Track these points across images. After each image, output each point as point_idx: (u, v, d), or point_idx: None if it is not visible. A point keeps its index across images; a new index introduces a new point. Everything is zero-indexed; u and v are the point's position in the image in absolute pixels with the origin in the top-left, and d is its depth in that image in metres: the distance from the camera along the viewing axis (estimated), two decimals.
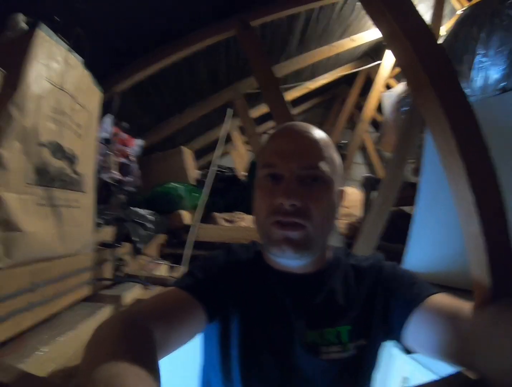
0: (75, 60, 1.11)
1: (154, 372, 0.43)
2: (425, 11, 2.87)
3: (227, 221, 2.60)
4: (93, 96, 1.24)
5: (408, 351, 0.69)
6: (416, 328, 0.63)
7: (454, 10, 2.94)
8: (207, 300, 0.66)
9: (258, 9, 2.50)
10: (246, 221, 2.62)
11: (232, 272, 0.74)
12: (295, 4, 2.56)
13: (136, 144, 2.24)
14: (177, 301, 0.64)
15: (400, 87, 3.35)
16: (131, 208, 1.96)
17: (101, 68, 1.36)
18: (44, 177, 0.91)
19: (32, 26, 0.96)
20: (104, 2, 1.81)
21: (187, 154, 3.22)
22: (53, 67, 0.97)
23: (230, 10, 2.39)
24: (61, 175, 0.99)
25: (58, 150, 0.96)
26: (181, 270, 2.05)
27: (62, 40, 1.05)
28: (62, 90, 1.02)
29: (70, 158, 1.03)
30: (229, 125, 3.25)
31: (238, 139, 4.68)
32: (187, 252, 2.16)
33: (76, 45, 1.12)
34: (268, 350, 0.68)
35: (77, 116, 1.09)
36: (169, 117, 3.43)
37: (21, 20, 1.04)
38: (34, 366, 0.77)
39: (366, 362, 0.70)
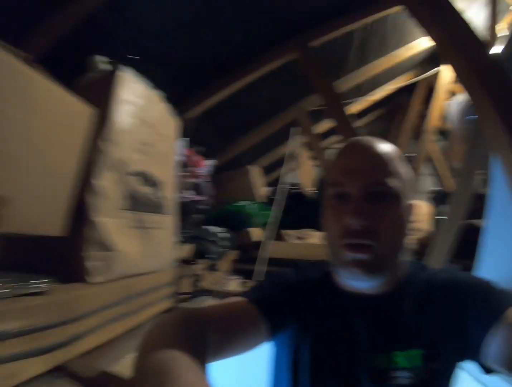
0: (154, 94, 1.24)
1: (204, 369, 0.47)
2: (479, 10, 2.76)
3: (296, 237, 2.63)
4: (171, 125, 1.37)
5: (487, 371, 0.61)
6: (497, 343, 0.56)
7: (507, 6, 2.80)
8: (270, 316, 0.66)
9: (316, 30, 2.58)
10: (315, 237, 2.62)
11: (300, 291, 0.74)
12: (350, 22, 2.61)
13: (207, 165, 2.37)
14: (240, 310, 0.65)
15: (464, 95, 3.18)
16: (205, 226, 2.07)
17: (174, 95, 1.48)
18: (134, 203, 1.03)
19: (114, 66, 1.09)
20: (173, 36, 1.99)
21: (255, 173, 3.32)
22: (136, 103, 1.10)
23: (290, 32, 2.50)
24: (148, 200, 1.10)
25: (145, 178, 1.08)
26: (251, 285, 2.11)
27: (141, 76, 1.17)
28: (145, 123, 1.14)
29: (155, 185, 1.15)
30: (295, 143, 3.31)
31: (304, 155, 4.71)
32: (258, 268, 2.22)
33: (151, 78, 1.24)
34: (337, 374, 0.66)
35: (159, 145, 1.21)
36: (237, 138, 3.57)
37: (101, 61, 1.18)
38: (121, 370, 0.87)
39: None
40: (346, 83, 3.57)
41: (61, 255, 0.91)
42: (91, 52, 1.22)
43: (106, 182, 0.94)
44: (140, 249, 1.07)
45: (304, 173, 4.78)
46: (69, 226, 0.88)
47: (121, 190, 0.99)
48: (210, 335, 0.56)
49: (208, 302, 1.51)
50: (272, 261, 2.34)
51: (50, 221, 0.83)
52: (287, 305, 0.71)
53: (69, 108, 0.86)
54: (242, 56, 2.48)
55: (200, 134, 2.42)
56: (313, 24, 2.53)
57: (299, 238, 2.62)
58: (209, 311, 0.63)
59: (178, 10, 1.87)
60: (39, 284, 0.80)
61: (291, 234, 2.64)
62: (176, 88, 2.26)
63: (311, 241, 2.58)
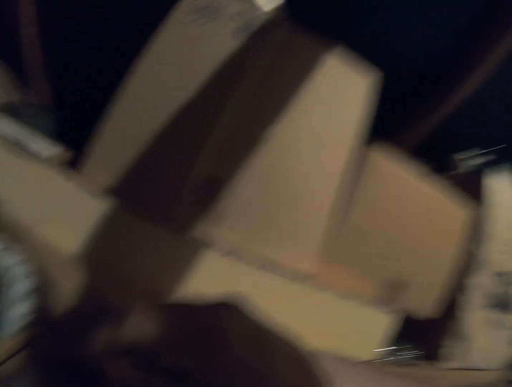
0: None
1: None
2: None
3: None
4: None
5: None
6: None
7: None
8: None
9: None
10: None
11: None
12: None
13: None
14: None
15: None
16: None
17: None
18: (493, 301, 1.10)
19: (481, 165, 1.20)
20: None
21: None
22: (504, 204, 1.17)
23: None
24: (506, 299, 1.15)
25: (505, 277, 1.14)
26: None
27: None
28: (509, 222, 1.19)
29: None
30: None
31: None
32: None
33: None
34: None
35: None
36: None
37: (464, 159, 1.30)
38: None
39: None
40: None
41: (423, 332, 1.06)
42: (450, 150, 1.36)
43: (473, 281, 1.05)
44: (489, 345, 1.12)
45: None
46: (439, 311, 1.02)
47: (485, 289, 1.07)
48: None
49: None
50: None
51: (429, 305, 1.00)
52: None
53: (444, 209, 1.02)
54: None
55: None
56: None
57: None
58: None
59: None
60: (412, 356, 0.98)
61: None
62: None
63: None
